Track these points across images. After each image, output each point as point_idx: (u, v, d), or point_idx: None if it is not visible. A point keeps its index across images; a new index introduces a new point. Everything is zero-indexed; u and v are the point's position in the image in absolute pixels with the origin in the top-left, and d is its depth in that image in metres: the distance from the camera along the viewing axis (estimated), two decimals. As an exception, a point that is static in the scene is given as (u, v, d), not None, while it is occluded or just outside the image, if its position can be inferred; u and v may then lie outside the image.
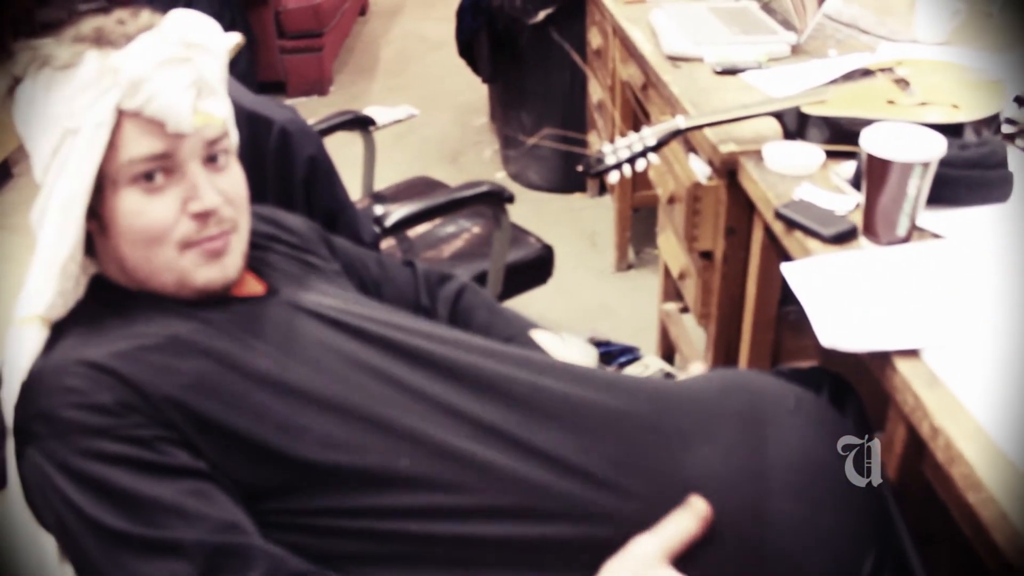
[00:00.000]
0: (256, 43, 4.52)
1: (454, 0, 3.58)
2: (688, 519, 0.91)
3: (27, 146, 1.00)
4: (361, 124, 2.28)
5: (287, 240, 1.21)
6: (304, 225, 1.27)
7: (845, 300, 1.08)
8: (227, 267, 1.02)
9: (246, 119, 1.68)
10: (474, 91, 4.15)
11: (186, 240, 0.99)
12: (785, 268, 1.17)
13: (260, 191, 1.70)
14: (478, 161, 3.85)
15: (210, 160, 1.00)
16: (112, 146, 0.94)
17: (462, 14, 3.49)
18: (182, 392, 0.91)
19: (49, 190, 0.96)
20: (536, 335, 1.29)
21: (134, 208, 0.96)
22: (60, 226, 0.95)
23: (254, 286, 1.10)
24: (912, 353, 0.99)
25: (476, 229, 2.15)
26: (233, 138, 1.08)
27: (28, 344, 0.96)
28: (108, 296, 1.03)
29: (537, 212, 3.30)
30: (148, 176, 0.96)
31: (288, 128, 1.61)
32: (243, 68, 4.34)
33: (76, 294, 1.02)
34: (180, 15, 1.00)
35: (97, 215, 0.98)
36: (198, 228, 0.99)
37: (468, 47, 3.58)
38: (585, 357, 1.30)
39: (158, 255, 0.98)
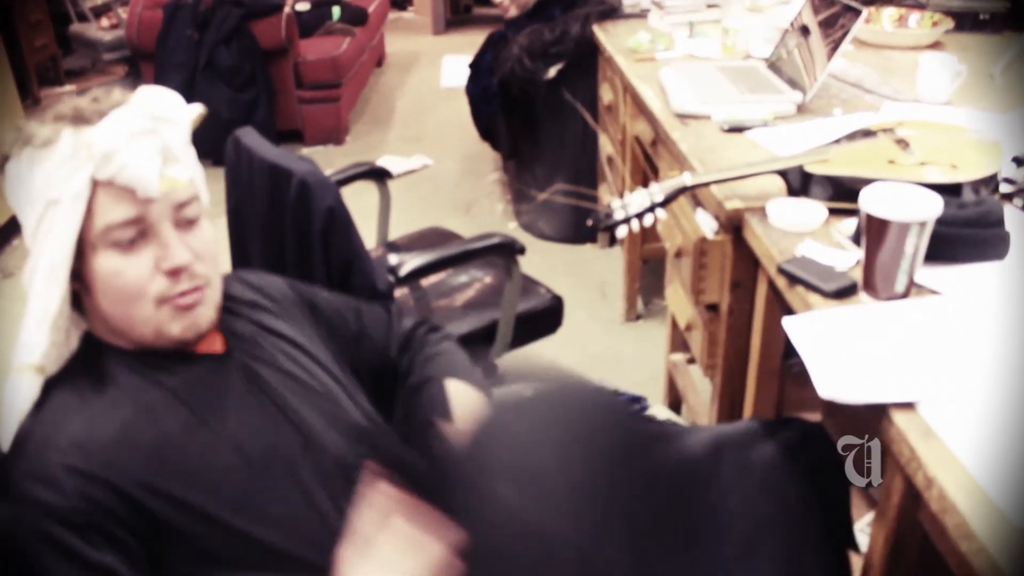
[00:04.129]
0: (275, 93, 4.62)
1: (469, 52, 3.69)
2: None
3: (19, 217, 1.09)
4: (377, 175, 2.34)
5: (264, 306, 1.28)
6: (288, 290, 1.35)
7: (844, 353, 1.12)
8: (199, 319, 1.11)
9: (267, 170, 1.74)
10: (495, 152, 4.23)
11: (161, 296, 1.08)
12: (787, 322, 1.21)
13: (279, 240, 1.76)
14: (490, 212, 3.91)
15: (181, 221, 1.09)
16: (89, 213, 1.04)
17: (476, 103, 3.61)
18: (142, 467, 1.02)
19: (36, 255, 1.06)
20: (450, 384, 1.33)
21: (112, 269, 1.05)
22: (47, 287, 1.05)
23: (215, 344, 1.18)
24: (908, 406, 1.03)
25: (488, 279, 2.20)
26: (203, 199, 1.16)
27: (24, 391, 1.06)
28: (91, 356, 1.12)
29: (547, 262, 3.35)
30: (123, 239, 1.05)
31: (307, 180, 1.67)
32: (262, 117, 4.44)
33: (69, 346, 1.12)
34: (148, 91, 1.10)
35: (80, 276, 1.07)
36: (171, 284, 1.08)
37: (488, 131, 3.71)
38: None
39: (136, 311, 1.08)
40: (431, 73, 6.15)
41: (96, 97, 1.08)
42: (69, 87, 6.07)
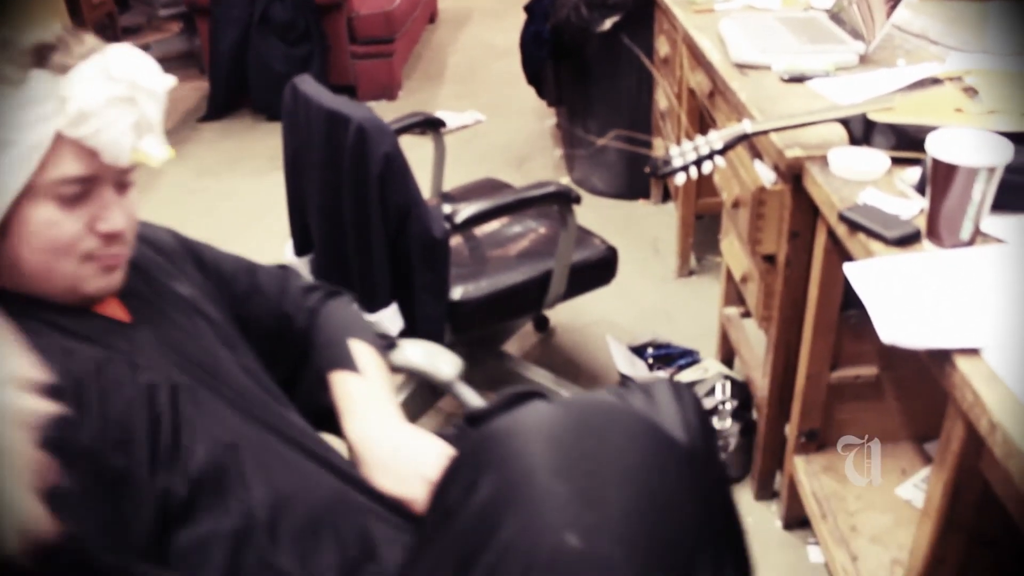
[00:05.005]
0: (329, 48, 4.62)
1: (521, 9, 3.67)
2: None
3: None
4: (432, 126, 2.34)
5: (157, 263, 1.22)
6: (173, 242, 1.29)
7: (906, 299, 1.10)
8: (116, 278, 1.08)
9: (325, 117, 1.75)
10: (540, 99, 4.21)
11: (89, 254, 1.04)
12: (848, 268, 1.20)
13: (336, 187, 1.77)
14: (543, 166, 3.90)
15: (121, 184, 1.06)
16: (42, 162, 0.98)
17: (526, 47, 3.58)
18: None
19: None
20: (340, 379, 1.28)
21: (48, 219, 1.01)
22: None
23: (118, 310, 1.12)
24: (972, 352, 1.02)
25: (542, 229, 2.19)
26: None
27: None
28: None
29: (600, 218, 3.34)
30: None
31: (365, 126, 1.68)
32: (316, 72, 4.45)
33: None
34: (125, 52, 1.05)
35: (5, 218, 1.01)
36: (102, 245, 1.04)
37: (535, 76, 3.68)
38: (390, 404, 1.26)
39: (60, 263, 1.03)
40: (484, 30, 6.12)
41: (64, 39, 1.01)
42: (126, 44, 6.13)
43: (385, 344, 1.38)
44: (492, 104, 4.65)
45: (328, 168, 1.79)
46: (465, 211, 1.81)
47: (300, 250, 2.08)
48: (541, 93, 3.76)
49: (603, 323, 2.72)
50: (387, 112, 4.55)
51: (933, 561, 1.20)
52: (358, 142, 1.69)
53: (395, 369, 1.39)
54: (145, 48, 5.73)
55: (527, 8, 3.63)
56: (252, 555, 1.01)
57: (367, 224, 1.75)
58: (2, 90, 0.98)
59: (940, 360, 1.04)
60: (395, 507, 1.13)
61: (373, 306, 1.83)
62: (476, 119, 4.46)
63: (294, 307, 1.35)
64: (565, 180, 3.72)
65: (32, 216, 1.00)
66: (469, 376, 2.34)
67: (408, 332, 1.88)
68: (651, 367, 2.29)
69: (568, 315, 2.77)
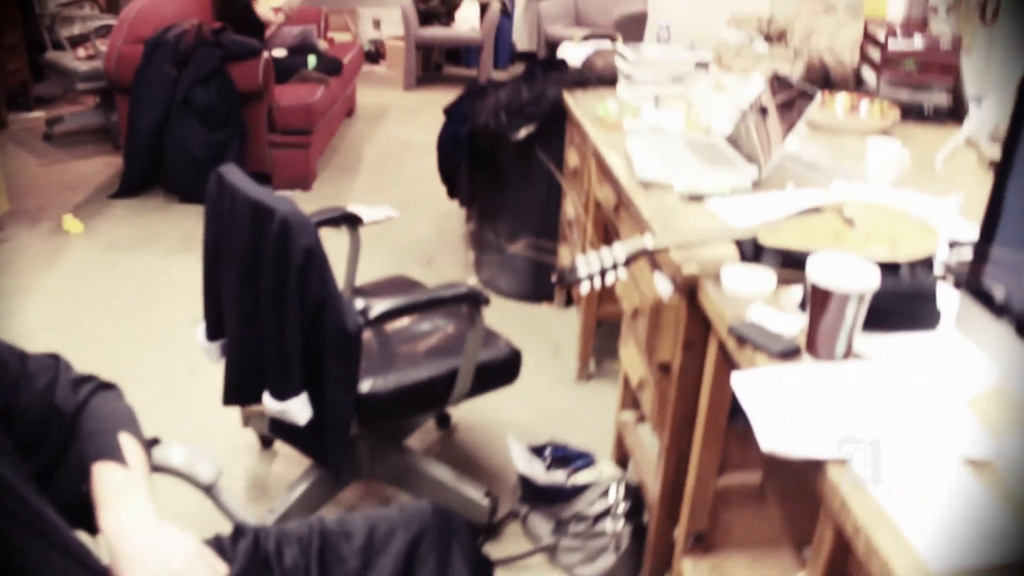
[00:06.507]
0: (247, 135, 4.69)
1: (437, 108, 3.81)
2: None
3: None
4: (350, 221, 2.42)
5: None
6: None
7: (785, 410, 1.21)
8: None
9: (249, 207, 1.81)
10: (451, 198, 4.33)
11: None
12: (734, 377, 1.30)
13: (256, 275, 1.82)
14: (452, 265, 3.99)
15: None
16: None
17: (443, 146, 3.72)
18: None
19: None
20: (102, 470, 1.23)
21: None
22: None
23: None
24: (841, 461, 1.12)
25: (450, 328, 2.27)
26: None
27: None
28: None
29: (505, 319, 3.43)
30: None
31: (289, 219, 1.74)
32: (233, 158, 4.51)
33: None
34: None
35: None
36: None
37: (449, 176, 3.82)
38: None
39: None
40: (400, 127, 6.27)
41: None
42: (38, 113, 6.12)
43: (149, 441, 1.35)
44: (404, 200, 4.76)
45: (249, 256, 1.84)
46: (378, 307, 1.88)
47: (212, 335, 2.11)
48: (452, 193, 3.89)
49: (504, 423, 2.79)
50: (302, 202, 4.57)
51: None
52: (281, 234, 1.75)
53: (155, 468, 1.35)
54: (59, 119, 5.72)
55: (446, 111, 3.78)
56: None
57: (284, 314, 1.80)
58: None
59: (814, 466, 1.14)
60: None
61: (284, 394, 1.87)
62: (388, 215, 4.55)
63: (64, 398, 1.28)
64: (472, 280, 3.81)
65: None
66: (372, 470, 2.38)
67: (316, 422, 1.92)
68: (549, 468, 2.36)
69: (470, 413, 2.83)
